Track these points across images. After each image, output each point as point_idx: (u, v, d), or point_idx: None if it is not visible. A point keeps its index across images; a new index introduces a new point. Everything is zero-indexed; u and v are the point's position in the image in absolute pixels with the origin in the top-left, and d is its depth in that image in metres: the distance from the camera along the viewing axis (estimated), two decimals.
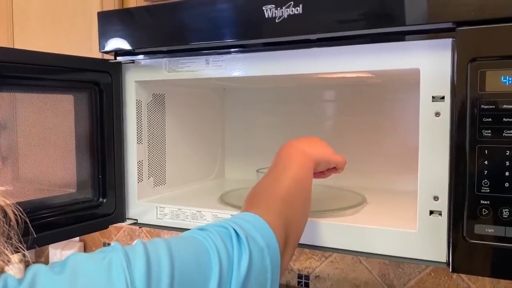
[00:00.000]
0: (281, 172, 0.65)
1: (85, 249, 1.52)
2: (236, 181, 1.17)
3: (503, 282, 0.95)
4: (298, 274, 1.16)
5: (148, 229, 1.40)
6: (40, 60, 0.71)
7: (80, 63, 0.77)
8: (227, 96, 1.20)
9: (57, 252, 1.50)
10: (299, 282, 1.16)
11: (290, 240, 0.57)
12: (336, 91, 1.08)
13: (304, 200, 0.65)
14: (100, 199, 0.82)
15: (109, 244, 1.47)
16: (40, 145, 0.75)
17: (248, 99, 1.19)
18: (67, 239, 0.80)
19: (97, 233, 1.49)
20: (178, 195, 0.97)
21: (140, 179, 0.90)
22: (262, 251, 0.48)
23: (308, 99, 1.11)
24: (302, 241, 0.75)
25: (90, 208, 0.81)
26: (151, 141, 0.93)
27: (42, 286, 0.35)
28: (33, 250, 1.64)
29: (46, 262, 1.56)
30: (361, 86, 1.05)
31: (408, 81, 0.96)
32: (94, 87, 0.80)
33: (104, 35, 0.85)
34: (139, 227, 1.34)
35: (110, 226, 0.84)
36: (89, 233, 0.83)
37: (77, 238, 1.52)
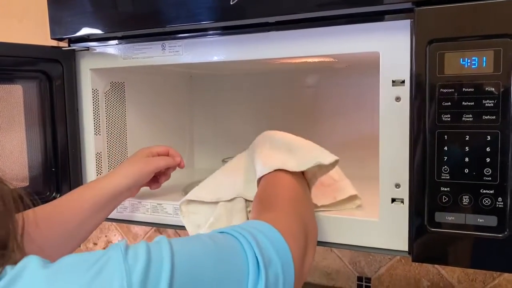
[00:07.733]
0: (279, 177, 0.63)
1: None
2: (205, 170, 1.13)
3: None
4: None
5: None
6: None
7: (26, 51, 0.73)
8: (194, 83, 1.17)
9: None
10: None
11: (311, 238, 0.55)
12: (304, 77, 1.05)
13: (308, 195, 0.65)
14: (54, 194, 0.78)
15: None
16: None
17: (216, 86, 1.15)
18: None
19: None
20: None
21: (99, 172, 0.86)
22: (277, 277, 0.45)
23: (277, 85, 1.08)
24: None
25: (44, 203, 0.77)
26: (110, 132, 0.89)
27: (24, 280, 0.35)
28: None
29: None
30: (329, 71, 1.02)
31: (375, 65, 0.93)
32: (43, 76, 0.76)
33: (55, 21, 0.80)
34: None
35: None
36: None
37: None
